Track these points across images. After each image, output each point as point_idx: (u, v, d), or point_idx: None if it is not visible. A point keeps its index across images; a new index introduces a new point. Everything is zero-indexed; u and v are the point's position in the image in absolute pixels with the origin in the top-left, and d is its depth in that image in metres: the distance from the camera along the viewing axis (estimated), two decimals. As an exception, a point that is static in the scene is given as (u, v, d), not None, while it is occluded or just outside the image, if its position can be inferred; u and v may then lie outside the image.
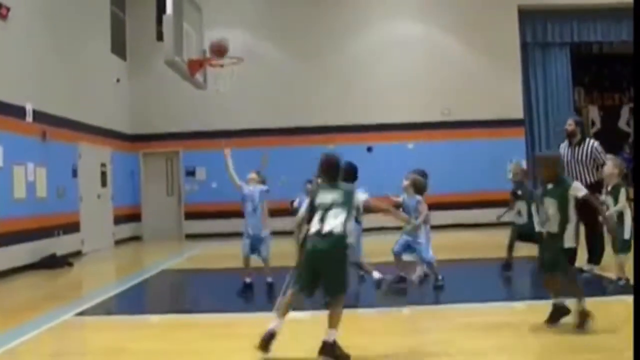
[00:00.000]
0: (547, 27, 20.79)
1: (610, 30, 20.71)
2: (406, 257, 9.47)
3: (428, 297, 8.82)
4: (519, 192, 10.17)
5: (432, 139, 19.33)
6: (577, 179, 9.41)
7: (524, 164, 10.51)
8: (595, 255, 9.82)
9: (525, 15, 20.34)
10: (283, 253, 9.18)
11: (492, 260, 11.63)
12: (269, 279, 9.45)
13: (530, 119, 20.94)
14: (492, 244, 13.25)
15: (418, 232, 9.16)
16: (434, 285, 9.09)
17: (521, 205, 10.03)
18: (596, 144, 10.00)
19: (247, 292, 9.20)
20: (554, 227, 6.38)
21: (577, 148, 9.99)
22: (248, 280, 9.28)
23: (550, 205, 6.40)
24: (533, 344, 6.14)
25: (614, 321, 6.52)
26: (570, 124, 10.15)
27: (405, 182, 9.46)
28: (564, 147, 10.23)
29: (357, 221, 9.01)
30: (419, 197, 9.30)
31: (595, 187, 9.39)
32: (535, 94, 21.06)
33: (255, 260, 9.52)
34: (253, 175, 9.80)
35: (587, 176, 9.80)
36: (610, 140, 21.89)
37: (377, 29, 20.02)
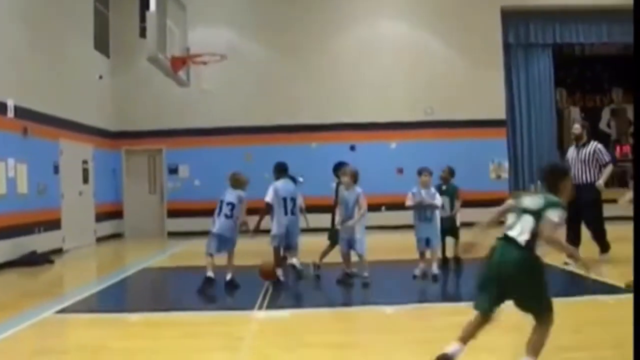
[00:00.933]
0: (530, 28, 20.90)
1: (592, 31, 20.85)
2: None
3: (411, 296, 8.87)
4: (444, 188, 10.93)
5: (415, 138, 19.38)
6: (579, 177, 10.44)
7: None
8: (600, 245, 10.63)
9: (508, 16, 20.43)
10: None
11: (474, 259, 11.68)
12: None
13: (513, 120, 21.05)
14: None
15: (356, 227, 9.36)
16: (362, 283, 9.33)
17: (445, 200, 10.48)
18: (600, 145, 10.82)
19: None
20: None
21: (582, 149, 10.75)
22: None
23: None
24: (520, 342, 6.18)
25: (604, 319, 6.59)
26: (577, 128, 11.01)
27: (344, 178, 9.60)
28: (572, 150, 11.06)
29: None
30: (359, 191, 9.39)
31: (593, 186, 10.39)
32: (517, 95, 21.16)
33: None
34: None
35: (588, 175, 10.54)
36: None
37: (361, 28, 20.05)
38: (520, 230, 4.71)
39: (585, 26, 20.82)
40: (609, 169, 10.57)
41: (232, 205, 9.50)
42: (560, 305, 7.43)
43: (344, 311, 8.20)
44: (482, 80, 19.83)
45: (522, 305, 4.80)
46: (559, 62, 21.68)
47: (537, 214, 4.70)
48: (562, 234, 10.16)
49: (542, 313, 4.75)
